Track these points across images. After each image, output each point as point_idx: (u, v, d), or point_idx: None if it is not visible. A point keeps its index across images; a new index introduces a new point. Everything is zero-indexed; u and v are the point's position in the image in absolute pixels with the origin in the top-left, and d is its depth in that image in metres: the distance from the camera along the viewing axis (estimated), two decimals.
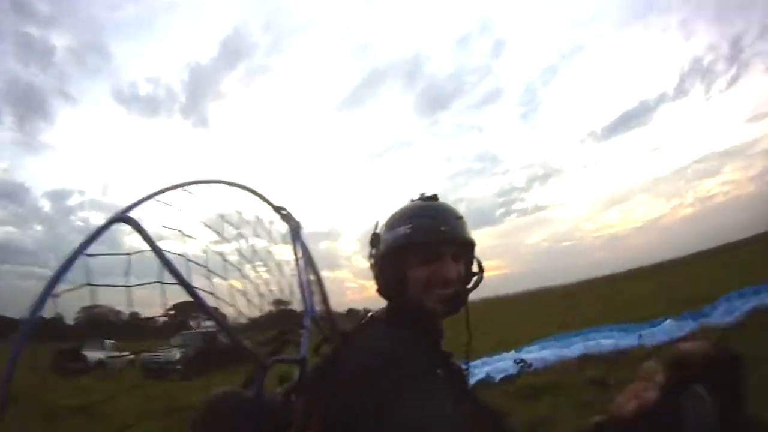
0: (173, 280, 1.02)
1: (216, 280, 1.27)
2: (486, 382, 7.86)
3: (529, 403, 6.39)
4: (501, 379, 7.61)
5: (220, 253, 1.38)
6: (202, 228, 1.39)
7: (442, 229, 1.36)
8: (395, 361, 1.15)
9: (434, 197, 1.50)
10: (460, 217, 1.43)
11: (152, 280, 1.04)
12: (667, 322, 9.99)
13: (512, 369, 8.39)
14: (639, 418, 0.84)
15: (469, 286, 1.45)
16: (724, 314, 9.37)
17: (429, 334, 1.38)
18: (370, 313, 1.50)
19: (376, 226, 1.50)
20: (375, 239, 1.48)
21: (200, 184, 1.39)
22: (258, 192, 1.58)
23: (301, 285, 1.46)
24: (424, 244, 1.35)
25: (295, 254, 1.54)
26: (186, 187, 1.31)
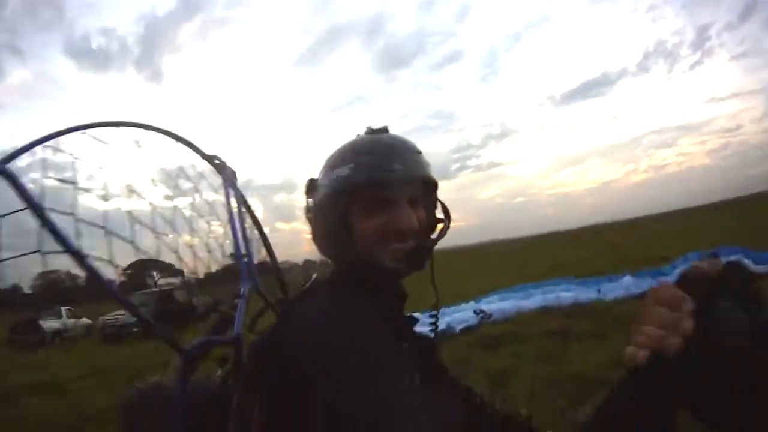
0: (59, 248, 0.86)
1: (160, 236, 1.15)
2: (447, 333, 7.63)
3: (490, 353, 6.24)
4: (461, 330, 7.38)
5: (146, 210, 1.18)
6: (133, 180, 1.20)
7: (394, 166, 1.09)
8: (348, 337, 0.91)
9: (384, 129, 1.22)
10: (418, 152, 1.17)
11: (31, 250, 0.87)
12: (626, 278, 9.96)
13: (472, 320, 8.27)
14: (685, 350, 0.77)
15: (434, 236, 1.20)
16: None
17: (389, 297, 1.14)
18: (314, 276, 1.23)
19: (313, 170, 1.24)
20: (311, 186, 1.21)
21: (108, 127, 1.18)
22: (184, 138, 1.37)
23: (235, 247, 1.27)
24: (372, 187, 1.08)
25: (229, 208, 1.34)
26: (89, 131, 1.10)
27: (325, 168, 1.16)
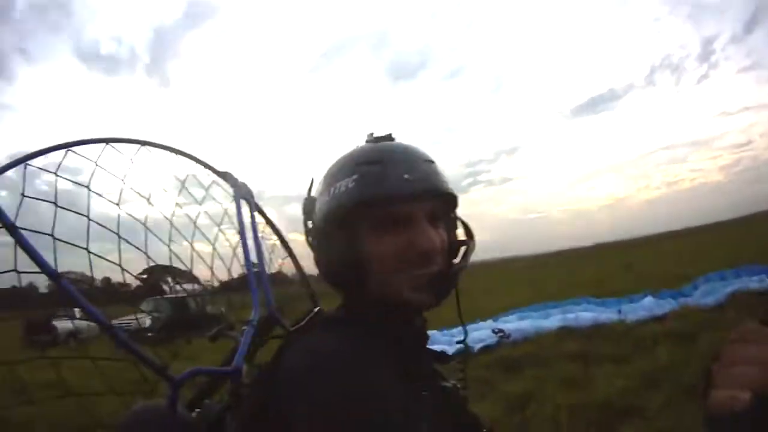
0: (36, 268, 0.93)
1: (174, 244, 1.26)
2: (465, 353, 7.21)
3: (509, 376, 6.03)
4: (480, 349, 7.17)
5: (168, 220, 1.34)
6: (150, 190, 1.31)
7: (406, 177, 0.91)
8: (344, 390, 0.78)
9: (388, 137, 1.04)
10: (431, 161, 0.98)
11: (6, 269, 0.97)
12: (647, 299, 9.74)
13: (490, 339, 7.97)
14: None
15: (457, 260, 1.01)
16: (704, 295, 9.04)
17: (407, 337, 0.97)
18: (316, 309, 1.13)
19: (311, 187, 1.06)
20: (309, 206, 1.03)
21: (123, 143, 1.27)
22: (197, 158, 1.44)
23: (246, 267, 1.30)
24: (381, 202, 0.91)
25: (240, 225, 1.37)
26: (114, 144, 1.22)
27: (324, 183, 0.99)
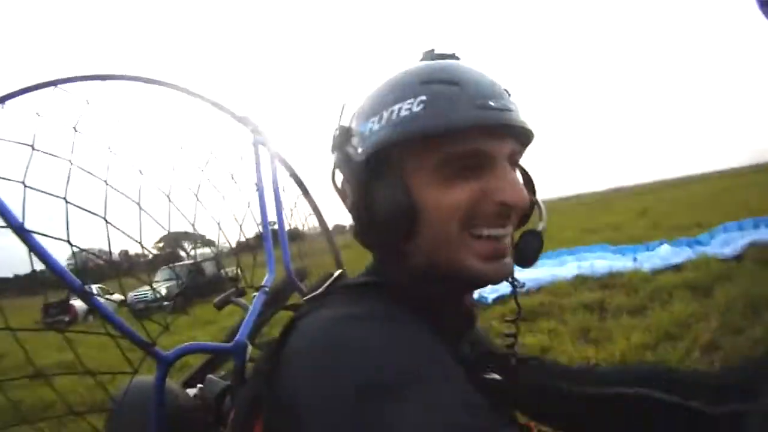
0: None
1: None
2: (479, 303, 7.18)
3: (525, 328, 5.83)
4: (495, 300, 7.01)
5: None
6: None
7: (491, 104, 0.68)
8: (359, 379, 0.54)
9: (453, 55, 0.79)
10: (509, 93, 0.74)
11: None
12: (663, 246, 9.49)
13: (504, 289, 7.74)
14: None
15: (541, 224, 0.82)
16: (721, 245, 8.74)
17: (450, 324, 0.75)
18: (338, 272, 0.86)
19: (342, 113, 0.82)
20: (343, 137, 0.78)
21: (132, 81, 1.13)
22: (212, 99, 1.25)
23: (263, 224, 1.15)
24: (456, 136, 0.68)
25: (258, 177, 1.22)
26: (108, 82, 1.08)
27: (370, 107, 0.75)
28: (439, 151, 0.69)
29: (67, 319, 17.78)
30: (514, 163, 0.75)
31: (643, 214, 20.21)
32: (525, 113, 0.74)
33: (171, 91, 1.22)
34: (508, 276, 0.75)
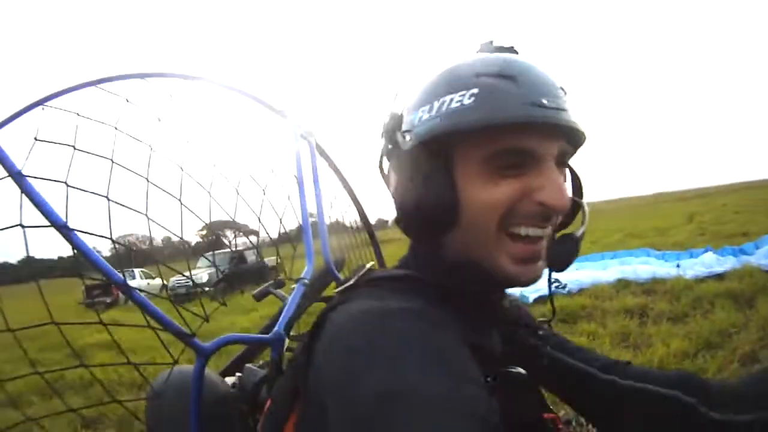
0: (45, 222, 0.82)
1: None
2: (520, 301, 7.02)
3: (565, 330, 5.84)
4: (535, 299, 6.96)
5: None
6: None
7: (544, 102, 0.67)
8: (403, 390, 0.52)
9: (513, 49, 0.78)
10: (566, 91, 0.73)
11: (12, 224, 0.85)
12: (707, 254, 9.28)
13: (545, 288, 7.65)
14: None
15: (580, 230, 0.80)
16: (766, 255, 8.41)
17: (479, 317, 0.76)
18: (370, 263, 0.85)
19: (395, 100, 0.82)
20: (393, 124, 0.79)
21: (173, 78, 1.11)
22: (249, 93, 1.24)
23: (303, 216, 1.13)
24: (506, 132, 0.67)
25: (298, 169, 1.20)
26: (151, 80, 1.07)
27: (423, 96, 0.75)
28: (486, 146, 0.69)
29: (108, 300, 18.17)
30: (563, 163, 0.75)
31: (690, 220, 19.72)
32: (579, 113, 0.72)
33: (211, 86, 1.22)
34: (537, 280, 0.75)
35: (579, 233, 0.80)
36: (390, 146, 0.80)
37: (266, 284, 1.32)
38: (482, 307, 0.79)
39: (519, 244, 0.71)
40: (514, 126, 0.67)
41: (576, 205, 0.82)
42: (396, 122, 0.78)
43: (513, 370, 0.76)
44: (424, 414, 0.49)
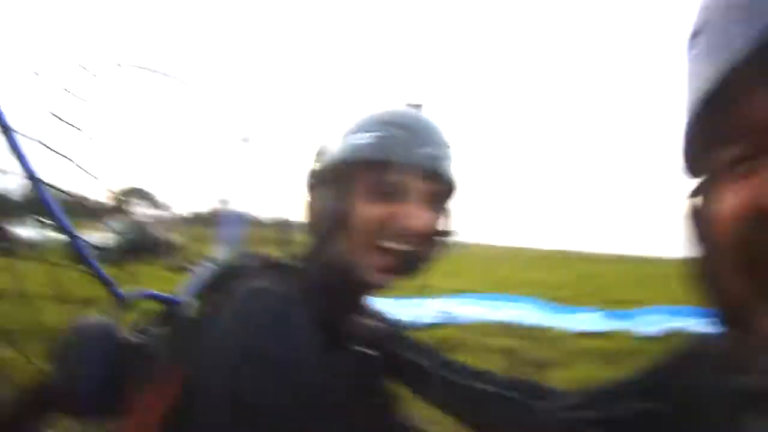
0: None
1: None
2: (410, 327, 6.99)
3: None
4: (425, 326, 7.18)
5: None
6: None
7: (419, 151, 0.89)
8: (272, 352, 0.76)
9: (419, 105, 1.01)
10: (448, 145, 0.96)
11: None
12: (594, 314, 9.72)
13: (435, 318, 7.99)
14: None
15: (430, 248, 0.97)
16: (648, 323, 8.78)
17: (337, 308, 0.96)
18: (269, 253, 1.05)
19: (330, 136, 1.02)
20: (321, 151, 1.01)
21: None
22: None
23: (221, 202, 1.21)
24: (388, 167, 0.88)
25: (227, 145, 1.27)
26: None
27: (344, 133, 0.95)
28: (376, 175, 0.88)
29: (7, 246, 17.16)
30: (432, 200, 0.93)
31: (587, 280, 20.49)
32: (454, 163, 0.95)
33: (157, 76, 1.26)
34: (388, 287, 0.93)
35: (424, 250, 0.95)
36: (316, 166, 0.99)
37: (177, 258, 1.35)
38: (341, 298, 0.96)
39: (383, 256, 0.89)
40: (396, 164, 0.86)
41: (438, 233, 0.97)
42: (324, 150, 0.98)
43: (359, 348, 0.98)
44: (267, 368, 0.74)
